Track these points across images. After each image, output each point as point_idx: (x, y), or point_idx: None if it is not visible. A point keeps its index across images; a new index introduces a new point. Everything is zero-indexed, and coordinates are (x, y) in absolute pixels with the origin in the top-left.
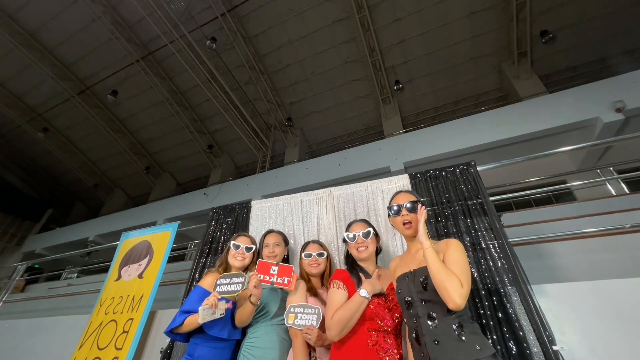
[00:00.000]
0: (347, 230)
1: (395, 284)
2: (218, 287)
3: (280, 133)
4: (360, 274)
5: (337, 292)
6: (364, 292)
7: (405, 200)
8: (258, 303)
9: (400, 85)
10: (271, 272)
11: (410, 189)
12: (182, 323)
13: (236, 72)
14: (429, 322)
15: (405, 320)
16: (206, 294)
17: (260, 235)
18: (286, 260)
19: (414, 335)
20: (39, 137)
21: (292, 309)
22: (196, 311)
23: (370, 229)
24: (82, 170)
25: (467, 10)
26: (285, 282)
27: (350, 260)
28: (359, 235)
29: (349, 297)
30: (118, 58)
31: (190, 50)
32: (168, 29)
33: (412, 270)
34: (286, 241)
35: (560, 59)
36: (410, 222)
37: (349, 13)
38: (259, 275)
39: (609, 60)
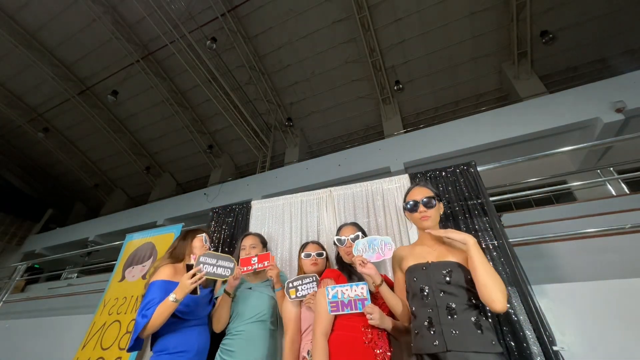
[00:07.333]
0: (337, 233)
1: (404, 274)
2: (202, 265)
3: (280, 133)
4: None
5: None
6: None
7: (422, 196)
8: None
9: (401, 86)
10: (252, 262)
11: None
12: (149, 320)
13: (236, 72)
14: (448, 313)
15: (413, 308)
16: (170, 285)
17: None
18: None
19: (426, 323)
20: (39, 137)
21: (291, 284)
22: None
23: (359, 233)
24: (82, 170)
25: (467, 11)
26: (266, 264)
27: (341, 260)
28: (347, 239)
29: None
30: (118, 58)
31: (190, 50)
32: (168, 29)
33: (430, 262)
34: (264, 242)
35: (560, 59)
36: (427, 215)
37: (349, 13)
38: (242, 267)
39: (609, 60)
